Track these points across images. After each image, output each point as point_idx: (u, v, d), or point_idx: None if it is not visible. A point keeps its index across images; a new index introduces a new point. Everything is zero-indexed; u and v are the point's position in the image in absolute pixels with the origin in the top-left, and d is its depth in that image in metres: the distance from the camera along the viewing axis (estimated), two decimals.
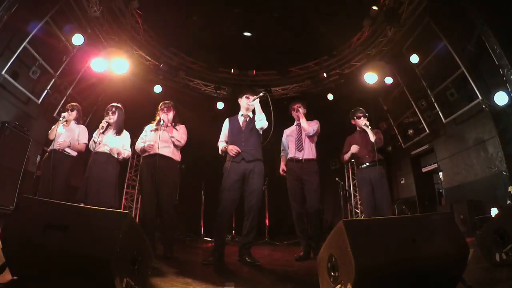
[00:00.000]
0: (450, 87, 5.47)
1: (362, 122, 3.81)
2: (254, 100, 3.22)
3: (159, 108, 3.58)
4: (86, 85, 6.30)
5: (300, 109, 3.84)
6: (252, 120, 3.30)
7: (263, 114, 3.16)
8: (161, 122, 3.42)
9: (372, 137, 3.69)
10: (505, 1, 4.20)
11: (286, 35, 6.72)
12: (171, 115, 3.55)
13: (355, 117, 3.92)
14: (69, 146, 3.73)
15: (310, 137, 3.76)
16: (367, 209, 3.80)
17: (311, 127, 3.71)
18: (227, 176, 3.13)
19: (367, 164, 3.78)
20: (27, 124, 5.05)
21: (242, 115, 3.39)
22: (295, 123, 3.95)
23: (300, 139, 3.78)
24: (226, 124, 3.43)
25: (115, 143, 3.58)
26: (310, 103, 4.13)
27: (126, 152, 3.66)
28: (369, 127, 3.74)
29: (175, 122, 3.57)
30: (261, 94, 3.23)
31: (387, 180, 3.79)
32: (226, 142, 3.30)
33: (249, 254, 3.03)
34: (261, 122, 3.14)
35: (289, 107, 4.02)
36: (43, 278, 1.51)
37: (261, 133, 3.28)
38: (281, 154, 3.97)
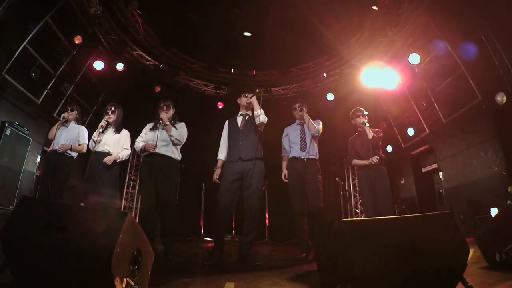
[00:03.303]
0: (450, 87, 5.47)
1: (360, 120, 3.77)
2: (251, 97, 3.25)
3: (158, 107, 3.59)
4: (86, 85, 6.31)
5: (304, 109, 3.81)
6: (251, 118, 3.31)
7: (262, 109, 3.17)
8: (160, 121, 3.42)
9: (369, 135, 3.67)
10: (505, 1, 4.20)
11: (286, 35, 6.72)
12: (170, 113, 3.55)
13: (354, 117, 3.88)
14: (70, 149, 3.75)
15: (313, 137, 3.75)
16: (367, 209, 3.78)
17: (317, 127, 3.70)
18: (224, 177, 3.17)
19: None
20: (27, 124, 5.05)
21: (241, 114, 3.42)
22: (296, 122, 3.93)
23: (303, 139, 3.75)
24: (225, 126, 3.46)
25: (114, 142, 3.58)
26: (310, 103, 4.12)
27: (126, 151, 3.64)
28: (367, 125, 3.70)
29: (175, 120, 3.57)
30: (257, 90, 3.30)
31: (388, 179, 3.72)
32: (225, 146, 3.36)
33: (249, 254, 3.02)
34: (260, 117, 3.15)
35: (290, 106, 3.99)
36: (43, 278, 1.51)
37: (261, 130, 3.27)
38: (282, 155, 3.88)
